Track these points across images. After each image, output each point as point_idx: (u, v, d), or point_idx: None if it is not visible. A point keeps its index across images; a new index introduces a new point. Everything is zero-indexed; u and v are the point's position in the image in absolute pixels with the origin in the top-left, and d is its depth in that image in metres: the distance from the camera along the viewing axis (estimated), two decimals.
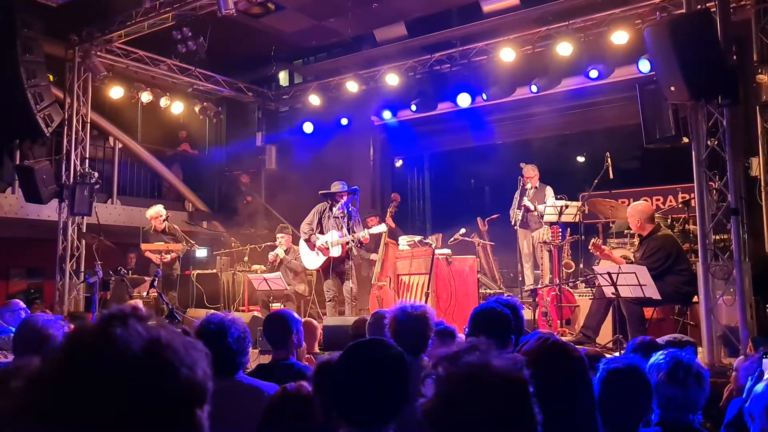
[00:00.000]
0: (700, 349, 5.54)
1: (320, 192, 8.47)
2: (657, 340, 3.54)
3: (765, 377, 2.64)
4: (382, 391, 1.87)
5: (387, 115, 11.02)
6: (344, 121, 11.37)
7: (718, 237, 6.09)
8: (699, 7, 5.77)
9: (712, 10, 5.71)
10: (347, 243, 7.96)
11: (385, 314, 3.32)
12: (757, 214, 6.92)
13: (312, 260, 8.38)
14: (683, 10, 6.07)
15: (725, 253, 5.71)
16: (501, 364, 1.28)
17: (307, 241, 8.35)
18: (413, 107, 10.49)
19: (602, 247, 6.52)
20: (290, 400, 2.45)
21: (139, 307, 0.97)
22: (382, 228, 8.10)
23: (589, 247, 6.48)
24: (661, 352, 2.60)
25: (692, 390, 2.45)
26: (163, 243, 9.12)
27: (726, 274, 5.52)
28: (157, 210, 9.45)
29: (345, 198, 8.21)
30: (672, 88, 5.52)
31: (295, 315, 3.65)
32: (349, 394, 1.88)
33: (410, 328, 3.04)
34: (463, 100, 10.01)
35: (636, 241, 6.93)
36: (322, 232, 8.28)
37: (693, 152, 5.87)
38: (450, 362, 1.30)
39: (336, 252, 8.06)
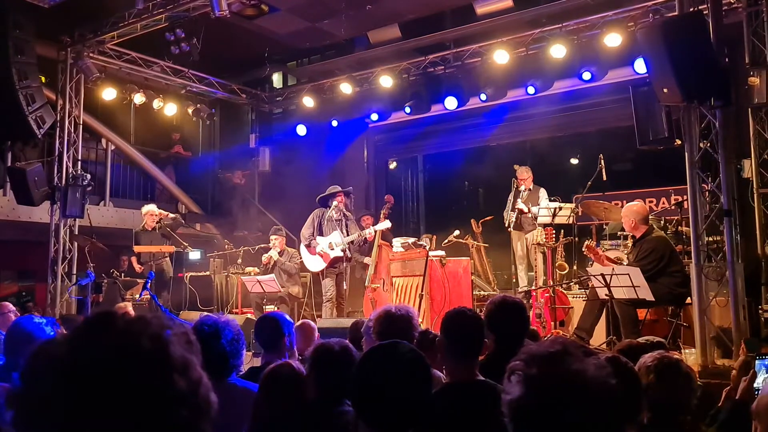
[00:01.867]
0: (693, 350, 5.56)
1: (318, 197, 8.50)
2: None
3: (759, 379, 2.66)
4: (403, 395, 1.86)
5: (374, 117, 10.99)
6: (334, 123, 11.36)
7: (711, 238, 6.11)
8: (691, 9, 5.80)
9: (704, 12, 5.74)
10: (352, 242, 8.16)
11: (370, 317, 3.33)
12: (749, 215, 6.94)
13: (314, 263, 8.37)
14: (676, 13, 6.10)
15: (718, 254, 5.73)
16: (596, 373, 1.28)
17: (308, 246, 8.36)
18: (407, 109, 10.49)
19: (596, 249, 6.53)
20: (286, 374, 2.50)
21: (129, 311, 0.97)
22: (386, 224, 8.16)
23: (583, 249, 6.48)
24: (649, 354, 2.60)
25: (681, 391, 2.45)
26: (155, 244, 9.14)
27: (719, 276, 5.54)
28: (152, 208, 9.53)
29: (341, 198, 8.27)
30: (665, 90, 5.54)
31: (288, 317, 3.64)
32: (370, 397, 1.86)
33: (394, 329, 3.05)
34: (451, 103, 10.01)
35: (629, 242, 6.95)
36: (322, 235, 8.32)
37: (686, 154, 5.89)
38: (547, 364, 1.29)
39: (339, 252, 8.11)
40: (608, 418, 1.26)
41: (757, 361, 2.72)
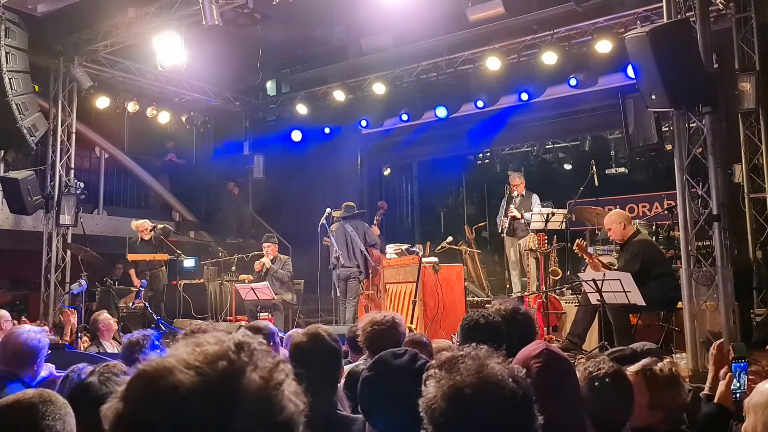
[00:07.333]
0: (684, 354, 5.58)
1: (357, 211, 8.83)
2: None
3: (735, 382, 2.71)
4: (413, 401, 1.89)
5: (364, 124, 11.02)
6: (327, 131, 11.39)
7: (701, 243, 6.14)
8: (679, 16, 5.85)
9: (691, 19, 5.79)
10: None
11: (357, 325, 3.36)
12: (740, 220, 6.98)
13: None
14: (664, 20, 6.14)
15: (708, 259, 5.76)
16: (501, 368, 1.34)
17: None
18: (405, 117, 10.49)
19: (588, 251, 6.53)
20: None
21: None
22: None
23: (574, 248, 6.48)
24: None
25: None
26: (149, 253, 9.14)
27: (709, 280, 5.56)
28: (142, 222, 9.54)
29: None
30: (653, 97, 5.58)
31: (272, 326, 3.66)
32: (380, 403, 1.89)
33: (380, 335, 3.09)
34: (441, 112, 10.05)
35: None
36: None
37: (675, 159, 5.93)
38: (453, 364, 1.36)
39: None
40: (520, 411, 1.31)
41: (733, 364, 2.77)
